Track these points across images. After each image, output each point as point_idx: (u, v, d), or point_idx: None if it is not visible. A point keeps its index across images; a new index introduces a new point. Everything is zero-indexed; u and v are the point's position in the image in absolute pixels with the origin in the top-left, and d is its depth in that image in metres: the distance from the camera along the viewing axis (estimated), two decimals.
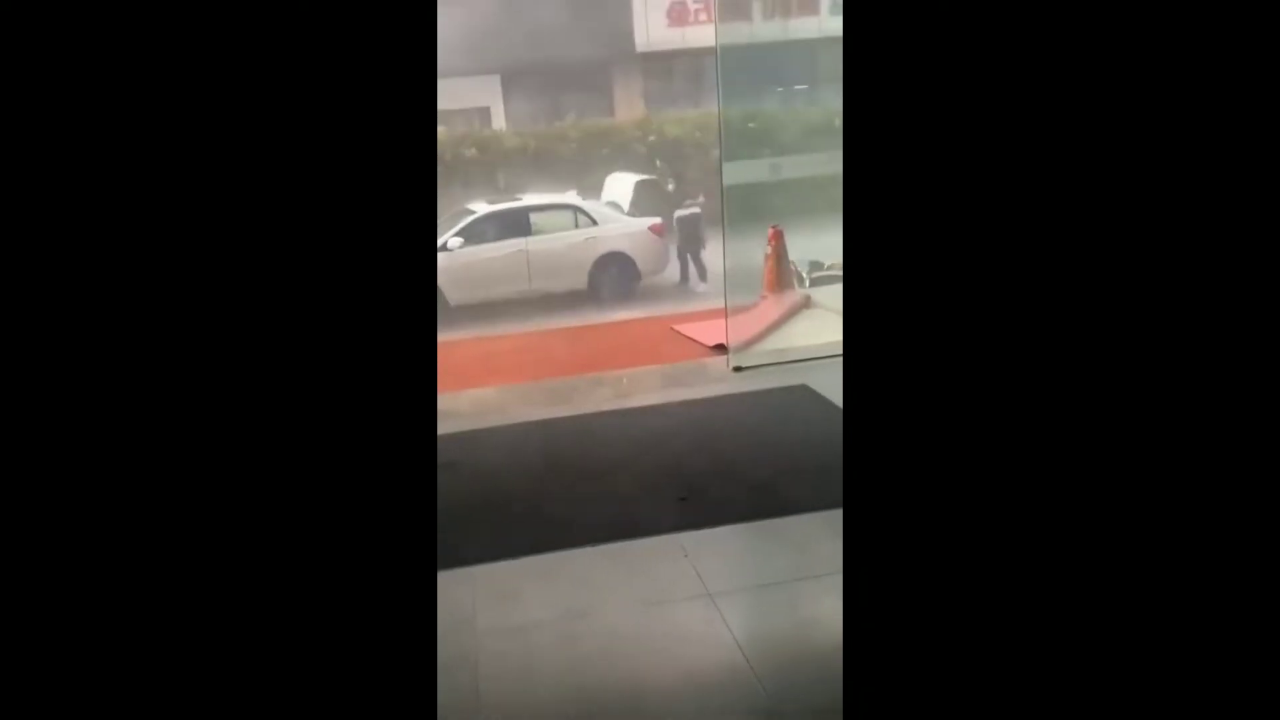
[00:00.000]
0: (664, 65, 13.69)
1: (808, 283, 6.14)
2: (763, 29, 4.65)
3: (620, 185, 9.12)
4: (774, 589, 2.64)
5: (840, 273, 5.20)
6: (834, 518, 2.70)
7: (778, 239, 5.66)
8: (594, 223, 8.40)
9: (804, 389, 4.30)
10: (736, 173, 4.71)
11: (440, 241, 8.01)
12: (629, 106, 13.71)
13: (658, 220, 8.52)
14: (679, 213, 8.70)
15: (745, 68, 4.63)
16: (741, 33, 4.58)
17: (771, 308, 5.69)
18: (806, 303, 5.82)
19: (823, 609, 2.46)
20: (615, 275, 8.28)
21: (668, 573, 2.75)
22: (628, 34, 13.35)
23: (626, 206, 8.69)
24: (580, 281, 8.26)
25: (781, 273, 5.81)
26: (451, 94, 11.97)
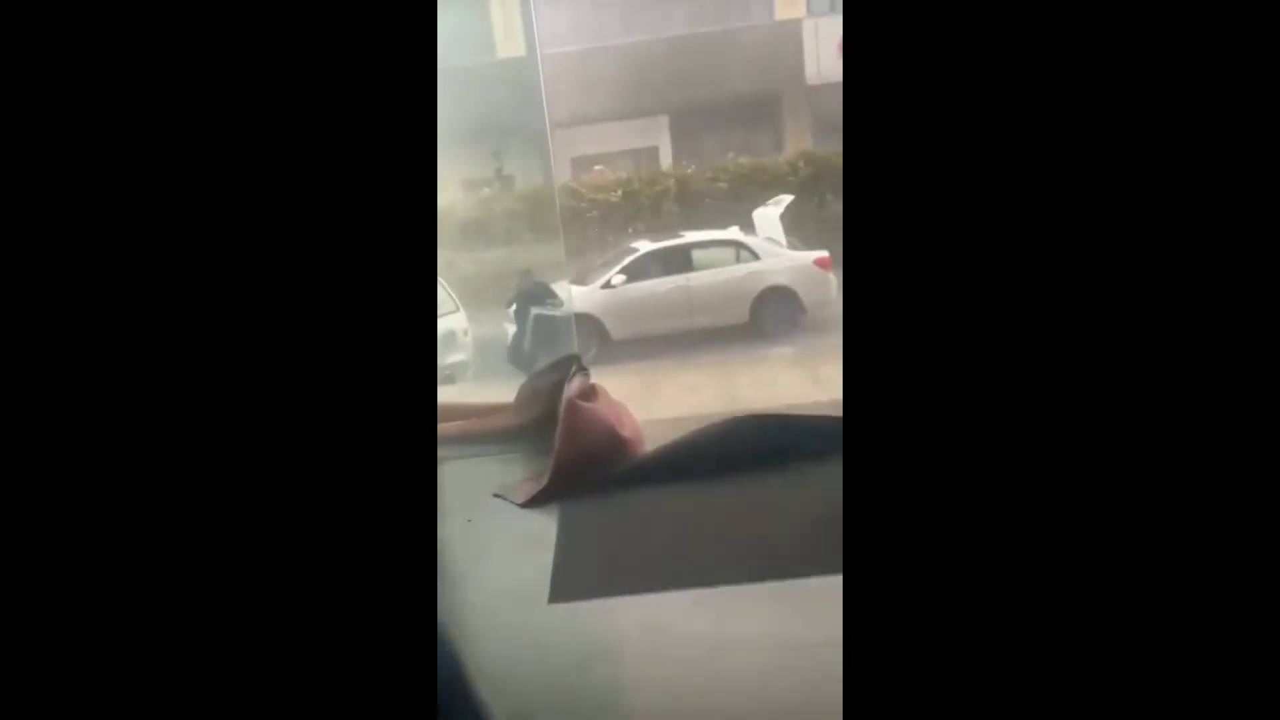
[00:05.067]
0: (835, 97, 13.50)
1: None
2: None
3: (767, 218, 8.78)
4: None
5: None
6: None
7: None
8: (756, 257, 8.37)
9: None
10: None
11: (605, 279, 8.25)
12: (798, 140, 13.61)
13: (824, 254, 8.35)
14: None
15: None
16: None
17: None
18: None
19: None
20: (776, 310, 8.19)
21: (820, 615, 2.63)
22: (798, 66, 13.31)
23: (781, 239, 8.53)
24: (741, 316, 8.23)
25: None
26: (618, 137, 12.38)
